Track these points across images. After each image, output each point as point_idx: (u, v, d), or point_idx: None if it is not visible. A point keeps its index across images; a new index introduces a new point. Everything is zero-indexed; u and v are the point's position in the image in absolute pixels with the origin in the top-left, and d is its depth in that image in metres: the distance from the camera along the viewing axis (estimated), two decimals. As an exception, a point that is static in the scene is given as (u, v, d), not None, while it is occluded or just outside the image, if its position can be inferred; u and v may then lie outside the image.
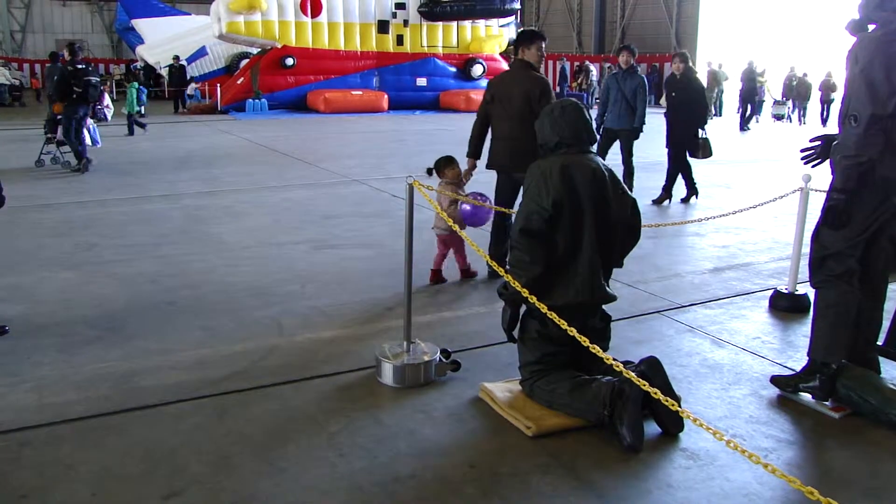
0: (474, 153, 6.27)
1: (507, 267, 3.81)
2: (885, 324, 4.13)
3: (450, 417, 3.76)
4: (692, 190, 9.79)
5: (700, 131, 9.42)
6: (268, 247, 7.13)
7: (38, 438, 3.50)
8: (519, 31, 7.16)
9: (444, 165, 6.05)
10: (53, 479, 3.16)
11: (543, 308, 3.38)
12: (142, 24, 33.13)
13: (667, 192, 9.66)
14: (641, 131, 9.57)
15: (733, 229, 8.04)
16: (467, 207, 5.75)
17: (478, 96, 25.07)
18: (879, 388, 3.75)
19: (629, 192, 3.94)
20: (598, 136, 8.95)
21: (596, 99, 28.41)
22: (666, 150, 9.70)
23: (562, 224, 3.68)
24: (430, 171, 6.16)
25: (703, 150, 9.42)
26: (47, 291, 5.66)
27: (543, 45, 6.03)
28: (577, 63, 31.41)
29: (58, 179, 10.94)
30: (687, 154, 9.57)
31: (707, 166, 13.13)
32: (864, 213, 3.71)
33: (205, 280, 6.02)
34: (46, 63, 18.00)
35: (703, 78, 27.60)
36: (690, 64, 9.69)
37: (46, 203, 9.07)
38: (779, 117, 24.16)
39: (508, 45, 29.00)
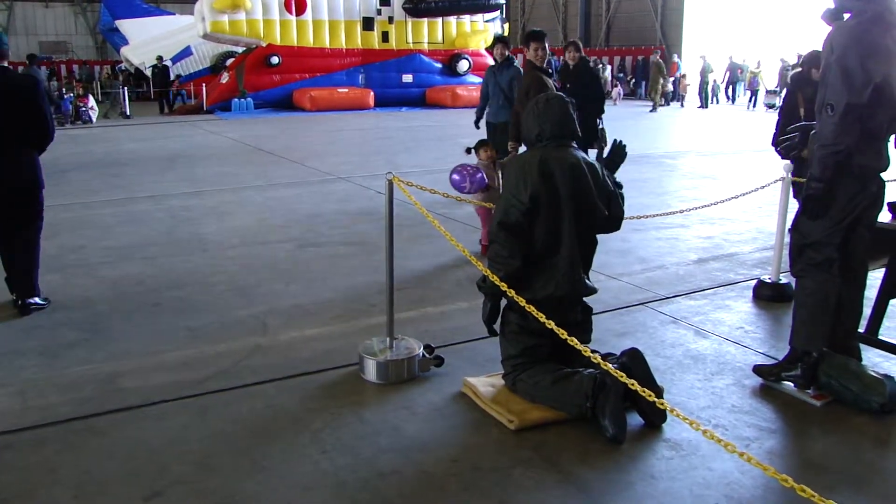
0: (515, 137, 7.39)
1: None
2: (866, 311, 4.16)
3: (433, 413, 3.77)
4: None
5: (598, 121, 9.03)
6: (253, 246, 7.12)
7: (20, 442, 3.49)
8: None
9: (480, 147, 6.97)
10: (36, 482, 3.15)
11: (522, 302, 3.39)
12: (126, 25, 33.04)
13: None
14: None
15: (718, 220, 8.07)
16: (455, 177, 6.30)
17: (464, 92, 25.12)
18: (860, 376, 3.77)
19: (611, 186, 3.94)
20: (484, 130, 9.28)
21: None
22: None
23: (540, 218, 3.68)
24: (468, 150, 7.05)
25: (600, 140, 9.03)
26: (31, 295, 5.63)
27: (539, 44, 7.10)
28: (560, 57, 31.44)
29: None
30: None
31: (693, 158, 13.20)
32: (842, 202, 3.73)
33: (190, 280, 6.01)
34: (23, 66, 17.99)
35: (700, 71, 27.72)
36: (583, 53, 9.38)
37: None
38: (771, 107, 24.23)
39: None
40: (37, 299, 5.31)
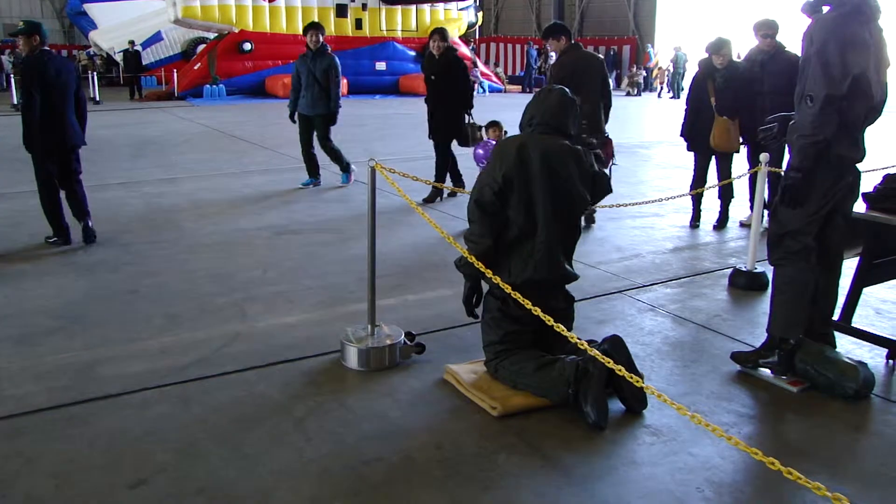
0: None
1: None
2: (841, 299, 4.23)
3: (416, 400, 3.78)
4: (457, 183, 8.64)
5: (466, 116, 8.41)
6: (229, 233, 7.07)
7: (-2, 431, 3.45)
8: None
9: (490, 126, 7.71)
10: (15, 472, 3.11)
11: (508, 289, 3.40)
12: (94, 9, 32.47)
13: (437, 189, 8.44)
14: (337, 115, 9.09)
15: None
16: (480, 152, 7.18)
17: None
18: (835, 363, 3.84)
19: (597, 170, 3.96)
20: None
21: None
22: (430, 138, 8.64)
23: (513, 200, 3.73)
24: (479, 128, 7.70)
25: (472, 137, 8.39)
26: (3, 283, 5.55)
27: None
28: (536, 46, 31.46)
29: (10, 169, 10.70)
30: (452, 143, 8.59)
31: (668, 148, 13.29)
32: (819, 192, 3.78)
33: (166, 268, 5.95)
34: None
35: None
36: (451, 42, 8.57)
37: (1, 193, 8.88)
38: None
39: (468, 28, 28.96)
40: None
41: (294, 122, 9.27)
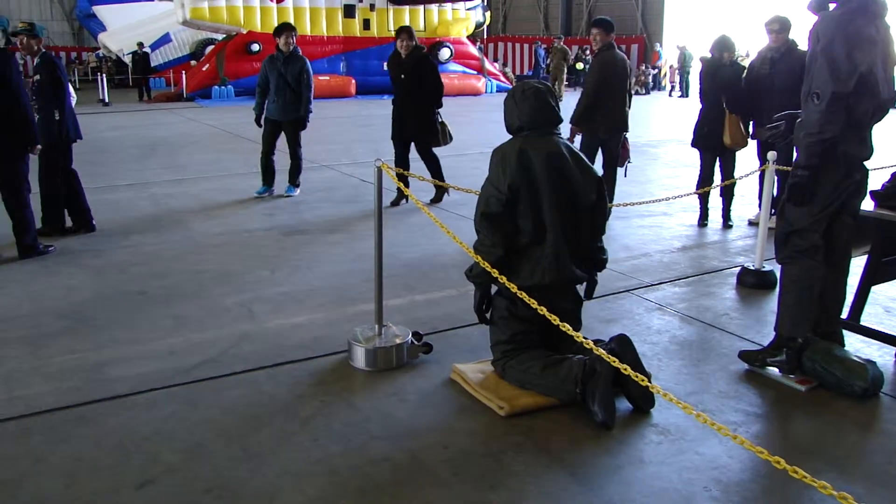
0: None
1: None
2: (849, 298, 4.22)
3: (423, 399, 3.78)
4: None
5: (436, 116, 8.21)
6: (237, 233, 7.09)
7: (7, 432, 3.46)
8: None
9: None
10: (24, 471, 3.13)
11: (514, 288, 3.40)
12: (103, 11, 32.62)
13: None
14: (308, 120, 8.79)
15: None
16: None
17: (445, 80, 24.96)
18: (843, 361, 3.83)
19: (594, 171, 3.95)
20: (261, 126, 8.83)
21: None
22: (393, 142, 8.45)
23: (521, 207, 3.71)
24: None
25: (443, 136, 8.24)
26: (13, 284, 5.59)
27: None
28: (544, 45, 31.43)
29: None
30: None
31: (676, 147, 13.25)
32: (827, 190, 3.77)
33: (174, 268, 5.97)
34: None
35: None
36: (417, 41, 8.21)
37: (10, 194, 8.91)
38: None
39: (476, 27, 28.92)
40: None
41: (260, 125, 8.89)
